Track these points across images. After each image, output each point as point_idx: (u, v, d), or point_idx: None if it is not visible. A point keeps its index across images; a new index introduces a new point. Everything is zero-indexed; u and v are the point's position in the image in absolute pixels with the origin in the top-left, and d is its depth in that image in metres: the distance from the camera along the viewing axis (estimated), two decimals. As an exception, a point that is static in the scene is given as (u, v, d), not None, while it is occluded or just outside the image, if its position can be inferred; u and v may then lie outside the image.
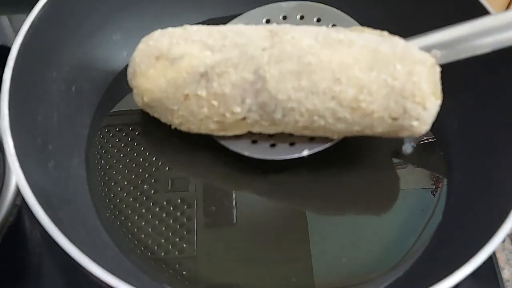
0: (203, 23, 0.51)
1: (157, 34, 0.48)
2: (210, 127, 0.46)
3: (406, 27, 0.50)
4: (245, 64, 0.43)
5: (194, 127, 0.47)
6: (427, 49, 0.46)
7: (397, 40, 0.44)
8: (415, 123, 0.42)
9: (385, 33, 0.45)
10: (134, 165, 0.50)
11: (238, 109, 0.44)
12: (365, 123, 0.43)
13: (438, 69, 0.43)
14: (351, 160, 0.50)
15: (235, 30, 0.46)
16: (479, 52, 0.47)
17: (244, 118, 0.45)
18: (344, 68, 0.41)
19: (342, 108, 0.42)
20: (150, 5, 0.57)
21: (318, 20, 0.52)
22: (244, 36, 0.45)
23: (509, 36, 0.45)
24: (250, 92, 0.43)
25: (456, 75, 0.52)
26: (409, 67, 0.41)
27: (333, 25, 0.51)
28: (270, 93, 0.42)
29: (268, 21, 0.53)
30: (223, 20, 0.52)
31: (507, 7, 0.91)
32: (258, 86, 0.43)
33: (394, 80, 0.41)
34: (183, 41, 0.45)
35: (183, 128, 0.48)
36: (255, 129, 0.46)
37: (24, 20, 0.45)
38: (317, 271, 0.45)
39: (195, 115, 0.45)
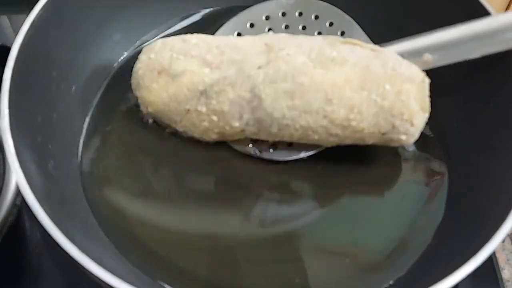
0: (203, 16, 0.52)
1: (159, 46, 0.48)
2: (212, 137, 0.49)
3: (403, 26, 0.51)
4: (242, 83, 0.45)
5: (196, 135, 0.49)
6: (420, 52, 0.48)
7: (388, 56, 0.45)
8: (403, 137, 0.45)
9: (377, 47, 0.46)
10: (134, 165, 0.50)
11: (236, 124, 0.46)
12: (356, 137, 0.46)
13: (427, 84, 0.45)
14: (352, 158, 0.50)
15: (232, 45, 0.47)
16: (471, 56, 0.47)
17: (243, 130, 0.47)
18: (336, 88, 0.43)
19: (334, 126, 0.45)
20: (150, 5, 0.57)
21: (316, 17, 0.53)
22: (241, 51, 0.46)
23: (501, 41, 0.46)
24: (247, 109, 0.46)
25: (456, 75, 0.52)
26: (398, 87, 0.43)
27: (331, 24, 0.53)
28: (266, 110, 0.45)
29: (267, 18, 0.54)
30: (222, 12, 0.52)
31: (507, 8, 0.91)
32: (255, 103, 0.45)
33: (384, 100, 0.43)
34: (183, 56, 0.47)
35: (187, 134, 0.50)
36: (254, 137, 0.49)
37: (24, 20, 0.45)
38: (318, 271, 0.45)
39: (197, 127, 0.48)
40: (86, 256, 0.36)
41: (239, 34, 0.53)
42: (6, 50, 0.43)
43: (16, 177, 0.39)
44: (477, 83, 0.50)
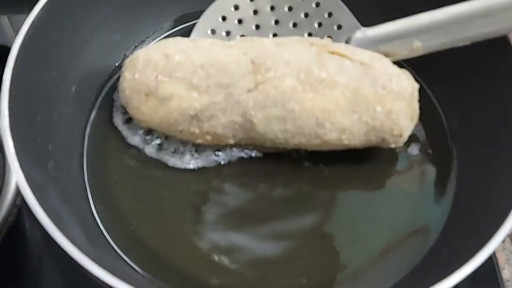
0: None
1: (141, 63, 0.47)
2: (209, 145, 0.50)
3: (391, 8, 0.51)
4: (232, 108, 0.45)
5: (195, 143, 0.50)
6: (410, 34, 0.48)
7: (378, 70, 0.45)
8: (393, 145, 0.48)
9: (366, 59, 0.46)
10: (133, 165, 0.50)
11: (231, 141, 0.48)
12: (349, 148, 0.48)
13: (416, 93, 0.46)
14: (352, 157, 0.50)
15: (218, 66, 0.46)
16: (461, 41, 0.47)
17: (238, 143, 0.49)
18: (326, 113, 0.45)
19: (326, 144, 0.47)
20: (150, 6, 0.57)
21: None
22: (227, 73, 0.45)
23: (491, 25, 0.46)
24: (240, 130, 0.47)
25: (456, 76, 0.52)
26: (388, 107, 0.45)
27: (317, 4, 0.53)
28: (259, 132, 0.46)
29: (255, 13, 0.54)
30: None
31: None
32: (247, 126, 0.46)
33: (374, 121, 0.45)
34: (168, 78, 0.46)
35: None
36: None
37: (24, 20, 0.45)
38: (321, 272, 0.45)
39: (193, 140, 0.49)
40: (85, 256, 0.36)
41: (223, 18, 0.53)
42: (6, 50, 0.43)
43: (16, 177, 0.39)
44: (477, 83, 0.50)
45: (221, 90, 0.45)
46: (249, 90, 0.45)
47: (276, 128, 0.46)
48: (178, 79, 0.46)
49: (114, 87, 0.54)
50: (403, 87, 0.45)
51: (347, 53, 0.46)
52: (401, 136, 0.46)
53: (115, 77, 0.54)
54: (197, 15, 0.55)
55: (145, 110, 0.47)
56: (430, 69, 0.53)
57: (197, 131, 0.47)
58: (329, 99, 0.44)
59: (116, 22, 0.54)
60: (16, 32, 0.44)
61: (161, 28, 0.58)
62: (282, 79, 0.45)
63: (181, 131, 0.48)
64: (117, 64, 0.56)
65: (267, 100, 0.45)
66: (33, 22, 0.45)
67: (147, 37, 0.58)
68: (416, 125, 0.51)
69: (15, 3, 0.68)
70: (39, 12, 0.46)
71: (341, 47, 0.47)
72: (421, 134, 0.52)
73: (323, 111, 0.44)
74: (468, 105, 0.51)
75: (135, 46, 0.57)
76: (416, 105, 0.47)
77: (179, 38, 0.50)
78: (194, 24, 0.55)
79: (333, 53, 0.46)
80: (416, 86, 0.47)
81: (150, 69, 0.47)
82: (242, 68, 0.46)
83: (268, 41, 0.48)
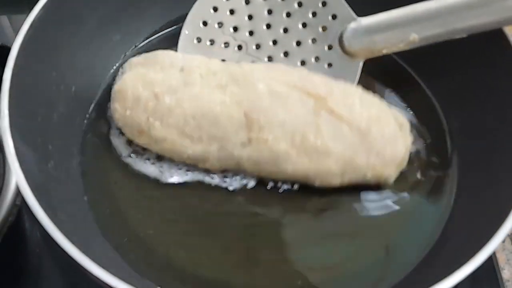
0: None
1: (130, 99, 0.47)
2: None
3: None
4: (226, 158, 0.47)
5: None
6: (406, 24, 0.48)
7: (374, 136, 0.45)
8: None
9: (363, 124, 0.45)
10: (132, 166, 0.50)
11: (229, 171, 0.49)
12: None
13: (407, 156, 0.47)
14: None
15: (209, 116, 0.45)
16: (458, 32, 0.47)
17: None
18: (319, 176, 0.46)
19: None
20: (150, 6, 0.57)
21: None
22: (219, 127, 0.45)
23: (487, 15, 0.45)
24: (236, 170, 0.48)
25: (457, 76, 0.52)
26: (378, 173, 0.46)
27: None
28: (253, 174, 0.48)
29: (247, 2, 0.53)
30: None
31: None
32: (241, 169, 0.47)
33: (365, 179, 0.47)
34: (160, 122, 0.46)
35: None
36: None
37: (24, 20, 0.45)
38: (320, 273, 0.45)
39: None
40: (85, 256, 0.36)
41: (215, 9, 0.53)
42: (6, 50, 0.43)
43: (16, 177, 0.39)
44: (478, 83, 0.50)
45: (214, 142, 0.46)
46: (242, 144, 0.45)
47: (270, 176, 0.47)
48: (170, 125, 0.46)
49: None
50: (397, 151, 0.46)
51: (344, 113, 0.45)
52: (387, 185, 0.48)
53: (115, 77, 0.54)
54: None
55: (140, 141, 0.48)
56: (430, 68, 0.53)
57: (191, 163, 0.48)
58: (323, 166, 0.45)
59: (115, 22, 0.54)
60: (16, 32, 0.44)
61: (161, 27, 0.58)
62: (276, 142, 0.45)
63: (175, 159, 0.48)
64: (117, 64, 0.56)
65: (261, 158, 0.46)
66: (33, 22, 0.45)
67: (147, 37, 0.58)
68: (416, 125, 0.52)
69: (15, 3, 0.68)
70: (39, 12, 0.46)
71: (339, 105, 0.46)
72: (421, 134, 0.52)
73: (316, 174, 0.46)
74: (468, 104, 0.51)
75: (135, 46, 0.57)
76: (405, 164, 0.48)
77: (167, 54, 0.50)
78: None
79: (331, 112, 0.46)
80: (409, 146, 0.47)
81: (140, 108, 0.47)
82: (234, 122, 0.45)
83: (262, 88, 0.46)
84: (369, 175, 0.46)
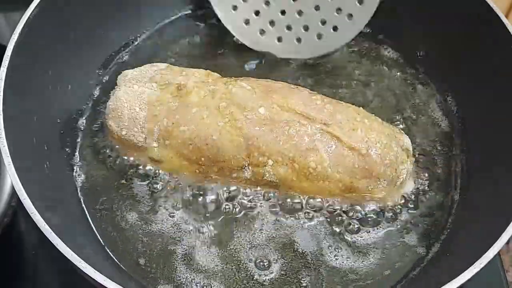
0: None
1: (126, 118, 0.46)
2: None
3: None
4: (225, 180, 0.47)
5: None
6: None
7: (374, 159, 0.45)
8: None
9: (363, 148, 0.45)
10: (131, 167, 0.49)
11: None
12: None
13: (406, 178, 0.47)
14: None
15: (208, 141, 0.45)
16: None
17: None
18: (319, 196, 0.47)
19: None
20: (148, 5, 0.57)
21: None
22: (218, 152, 0.46)
23: None
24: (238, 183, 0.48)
25: (458, 76, 0.51)
26: (377, 194, 0.46)
27: None
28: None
29: None
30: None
31: (511, 7, 0.91)
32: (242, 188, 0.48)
33: (366, 200, 0.47)
34: (157, 144, 0.47)
35: None
36: None
37: (19, 19, 0.44)
38: (323, 274, 0.44)
39: None
40: (80, 258, 0.35)
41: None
42: (1, 48, 0.43)
43: (12, 178, 0.38)
44: (481, 85, 0.50)
45: (213, 164, 0.46)
46: (242, 168, 0.46)
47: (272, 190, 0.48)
48: (167, 146, 0.46)
49: (112, 87, 0.53)
50: (398, 173, 0.46)
51: (345, 139, 0.45)
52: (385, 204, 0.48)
53: (112, 76, 0.53)
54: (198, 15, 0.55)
55: (135, 158, 0.48)
56: (429, 68, 0.53)
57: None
58: (323, 189, 0.46)
59: (112, 20, 0.54)
60: (12, 30, 0.44)
61: (160, 27, 0.58)
62: (276, 168, 0.45)
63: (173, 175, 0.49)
64: (115, 64, 0.55)
65: (260, 181, 0.46)
66: (29, 20, 0.45)
67: (145, 37, 0.58)
68: (419, 126, 0.52)
69: (11, 1, 0.68)
70: (35, 9, 0.45)
71: (340, 130, 0.45)
72: (423, 135, 0.51)
73: (316, 194, 0.47)
74: (469, 103, 0.51)
75: (133, 45, 0.57)
76: (406, 187, 0.48)
77: (162, 69, 0.49)
78: (192, 25, 0.54)
79: (332, 136, 0.45)
80: (410, 169, 0.47)
81: (137, 129, 0.46)
82: (234, 148, 0.45)
83: (263, 113, 0.45)
84: (369, 198, 0.46)
